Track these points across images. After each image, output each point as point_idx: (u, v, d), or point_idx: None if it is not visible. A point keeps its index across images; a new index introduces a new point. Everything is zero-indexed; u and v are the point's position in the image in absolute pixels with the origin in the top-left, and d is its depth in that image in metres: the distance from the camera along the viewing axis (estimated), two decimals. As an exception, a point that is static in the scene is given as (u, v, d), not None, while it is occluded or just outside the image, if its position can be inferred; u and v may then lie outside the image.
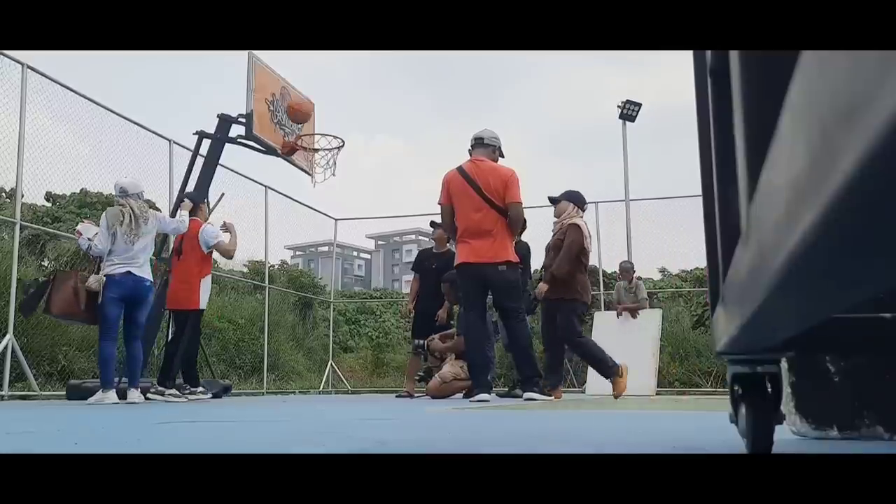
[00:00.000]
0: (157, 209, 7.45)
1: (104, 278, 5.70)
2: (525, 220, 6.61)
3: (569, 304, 6.32)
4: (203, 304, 6.64)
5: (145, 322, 6.01)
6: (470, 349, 5.95)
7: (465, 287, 5.87)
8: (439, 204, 5.92)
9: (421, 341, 7.60)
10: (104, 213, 5.90)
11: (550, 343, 6.64)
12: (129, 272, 5.70)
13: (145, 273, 5.83)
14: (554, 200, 6.68)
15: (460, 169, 5.82)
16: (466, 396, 6.49)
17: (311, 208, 12.67)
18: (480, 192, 5.65)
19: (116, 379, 5.81)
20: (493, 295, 5.81)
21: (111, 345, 5.69)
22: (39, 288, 5.81)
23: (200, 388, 6.59)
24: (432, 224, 8.05)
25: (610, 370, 6.30)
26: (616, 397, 6.34)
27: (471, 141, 6.01)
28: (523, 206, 5.90)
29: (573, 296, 6.32)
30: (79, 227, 6.14)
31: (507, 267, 5.65)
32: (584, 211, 6.69)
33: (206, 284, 6.65)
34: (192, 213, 6.66)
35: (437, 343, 7.42)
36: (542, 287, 6.45)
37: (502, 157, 6.03)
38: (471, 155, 5.96)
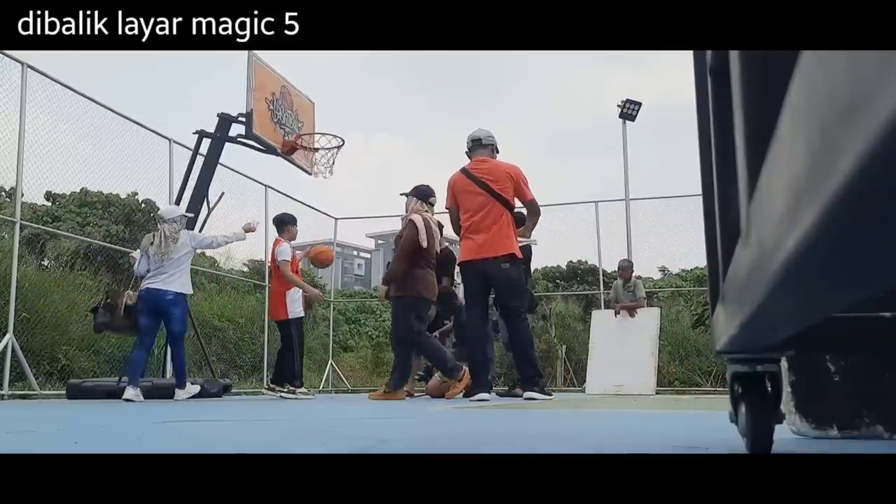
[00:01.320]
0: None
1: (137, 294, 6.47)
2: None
3: (403, 300, 6.27)
4: (292, 314, 7.17)
5: (179, 329, 6.42)
6: (471, 348, 5.95)
7: (467, 285, 5.85)
8: (446, 208, 5.96)
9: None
10: (143, 239, 6.68)
11: (395, 342, 6.71)
12: (154, 287, 6.28)
13: (171, 286, 6.30)
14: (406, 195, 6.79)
15: (464, 170, 5.86)
16: (466, 396, 6.50)
17: (312, 207, 12.66)
18: (487, 187, 5.68)
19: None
20: (495, 293, 5.79)
21: (139, 351, 6.30)
22: (109, 305, 6.51)
23: (287, 389, 7.09)
24: None
25: (450, 371, 6.33)
26: (447, 398, 6.32)
27: (467, 143, 6.02)
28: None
29: (408, 293, 6.24)
30: (133, 254, 6.92)
31: (510, 264, 5.65)
32: (430, 205, 6.63)
33: (290, 296, 7.18)
34: (279, 232, 7.38)
35: None
36: (381, 289, 6.54)
37: (497, 152, 6.05)
38: (470, 157, 5.97)
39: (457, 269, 7.39)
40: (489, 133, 6.02)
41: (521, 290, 5.92)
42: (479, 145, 5.93)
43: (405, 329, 6.26)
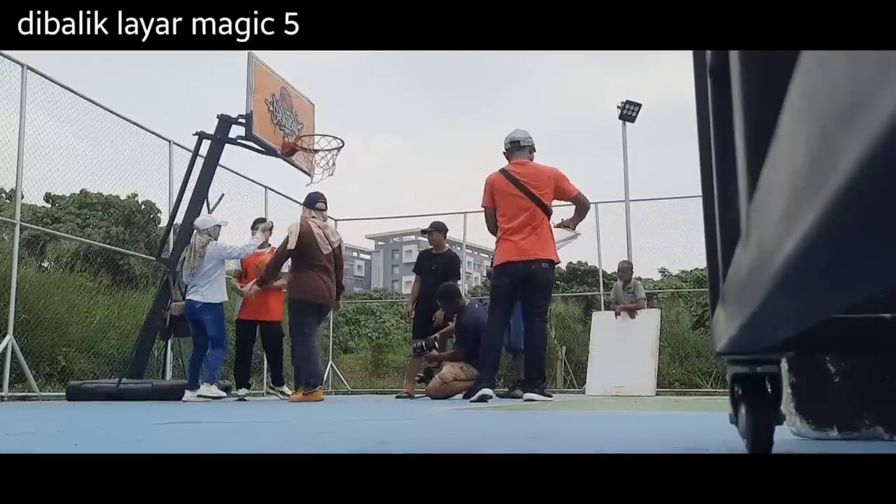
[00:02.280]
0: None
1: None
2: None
3: (293, 304, 6.60)
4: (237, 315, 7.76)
5: (213, 334, 6.79)
6: (483, 345, 5.98)
7: (499, 285, 5.84)
8: (483, 206, 5.96)
9: (421, 342, 7.60)
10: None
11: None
12: (189, 299, 6.78)
13: (200, 297, 6.73)
14: None
15: (504, 171, 5.85)
16: (466, 397, 6.50)
17: (311, 209, 12.66)
18: (527, 190, 5.71)
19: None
20: (529, 292, 5.76)
21: (209, 356, 6.93)
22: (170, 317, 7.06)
23: (242, 390, 7.63)
24: (424, 232, 8.16)
25: (305, 380, 6.49)
26: (292, 401, 6.56)
27: (505, 144, 5.98)
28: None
29: (296, 296, 6.52)
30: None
31: (548, 265, 5.75)
32: (318, 210, 6.73)
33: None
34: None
35: (436, 354, 7.50)
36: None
37: (534, 152, 6.05)
38: (508, 158, 5.95)
39: (461, 269, 7.60)
40: (527, 134, 6.00)
41: (551, 292, 6.14)
42: (518, 147, 5.91)
43: (296, 330, 6.58)
